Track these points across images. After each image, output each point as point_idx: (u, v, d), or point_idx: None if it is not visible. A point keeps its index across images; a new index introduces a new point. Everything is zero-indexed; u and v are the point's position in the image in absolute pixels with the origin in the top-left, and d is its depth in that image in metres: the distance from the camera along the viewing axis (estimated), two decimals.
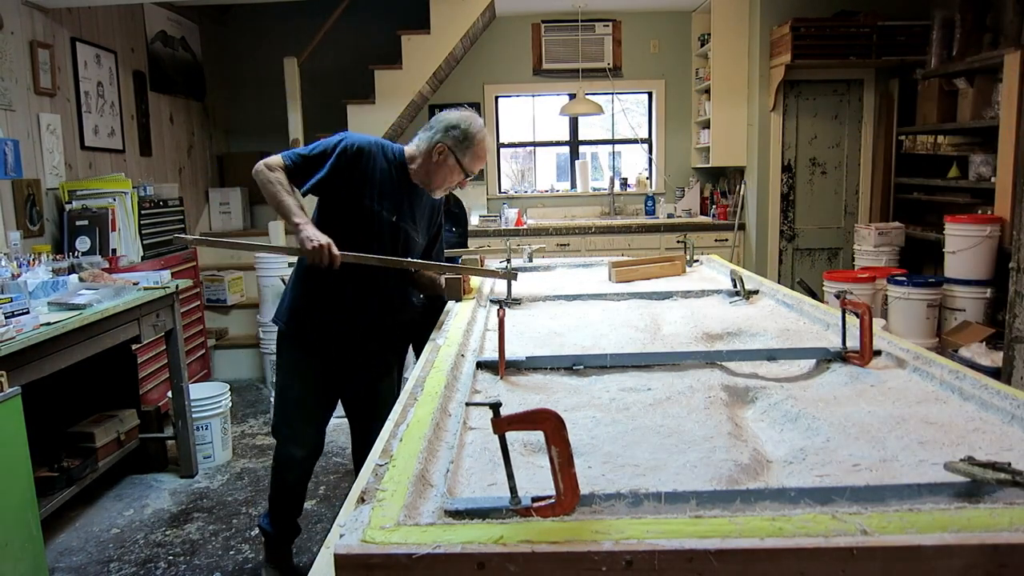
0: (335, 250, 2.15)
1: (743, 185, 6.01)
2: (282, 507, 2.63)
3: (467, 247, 3.33)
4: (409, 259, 2.39)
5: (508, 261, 2.95)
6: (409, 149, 2.40)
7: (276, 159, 2.29)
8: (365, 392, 2.54)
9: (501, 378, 1.68)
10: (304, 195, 2.38)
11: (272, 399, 2.66)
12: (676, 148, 6.64)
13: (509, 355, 1.73)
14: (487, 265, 3.13)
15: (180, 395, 3.64)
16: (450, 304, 2.52)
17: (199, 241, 2.40)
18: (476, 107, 6.46)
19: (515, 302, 2.53)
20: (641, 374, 1.69)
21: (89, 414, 3.59)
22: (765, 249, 5.87)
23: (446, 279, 2.50)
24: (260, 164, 2.28)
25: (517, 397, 1.55)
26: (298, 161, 2.31)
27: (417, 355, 2.89)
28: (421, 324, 2.81)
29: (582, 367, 1.73)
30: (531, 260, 3.50)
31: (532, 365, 1.74)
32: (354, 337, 2.44)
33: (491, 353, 1.80)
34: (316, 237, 2.13)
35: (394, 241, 2.38)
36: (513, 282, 2.55)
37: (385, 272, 2.37)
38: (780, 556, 0.84)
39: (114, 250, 4.11)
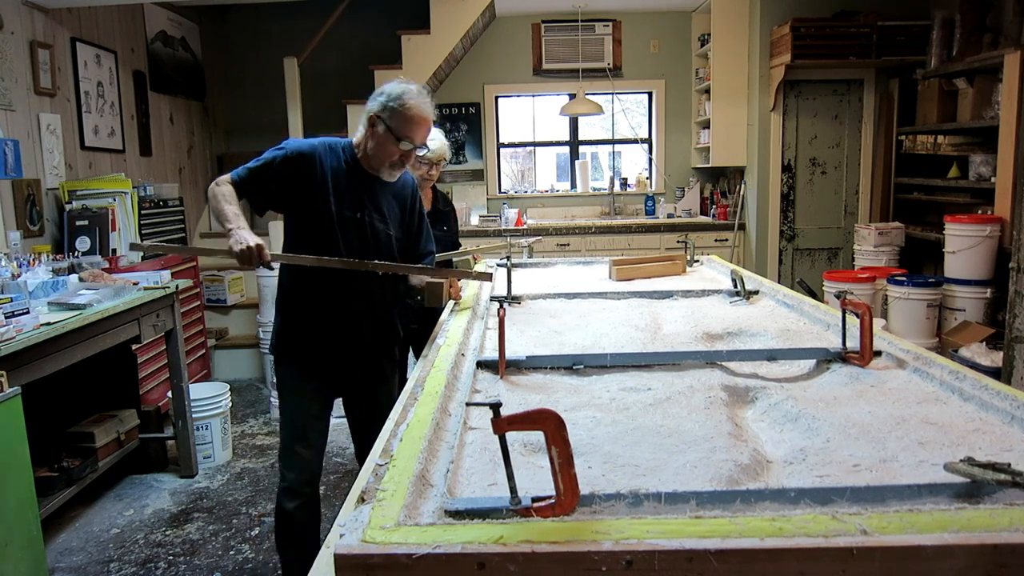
0: (265, 252, 2.05)
1: (743, 185, 6.01)
2: (288, 542, 2.33)
3: (459, 246, 3.23)
4: (374, 262, 2.21)
5: (508, 258, 2.93)
6: (355, 139, 2.28)
7: (225, 176, 2.22)
8: (364, 402, 2.44)
9: (501, 377, 1.68)
10: (261, 213, 2.32)
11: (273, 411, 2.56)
12: (676, 148, 6.64)
13: (509, 354, 1.73)
14: (484, 265, 3.11)
15: (180, 395, 3.64)
16: (449, 305, 2.51)
17: (153, 247, 2.30)
18: (476, 107, 6.47)
19: (515, 300, 2.53)
20: (641, 374, 1.69)
21: (89, 414, 3.58)
22: (765, 249, 5.87)
23: (427, 284, 2.36)
24: (214, 183, 2.21)
25: (517, 397, 1.55)
26: (245, 176, 2.20)
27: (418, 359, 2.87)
28: (420, 328, 2.78)
29: (582, 366, 1.73)
30: (531, 256, 3.50)
31: (532, 364, 1.74)
32: (347, 351, 2.32)
33: (491, 352, 1.80)
34: (245, 239, 2.03)
35: (362, 238, 2.25)
36: (493, 281, 2.53)
37: (369, 279, 2.26)
38: (780, 556, 0.84)
39: (114, 250, 4.11)
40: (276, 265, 2.17)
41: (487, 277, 2.43)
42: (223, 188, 2.16)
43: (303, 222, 2.24)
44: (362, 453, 2.50)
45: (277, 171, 2.19)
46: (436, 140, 2.81)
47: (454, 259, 3.02)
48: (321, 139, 2.27)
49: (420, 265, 2.35)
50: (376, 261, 2.22)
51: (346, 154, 2.26)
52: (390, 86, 2.17)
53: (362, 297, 2.29)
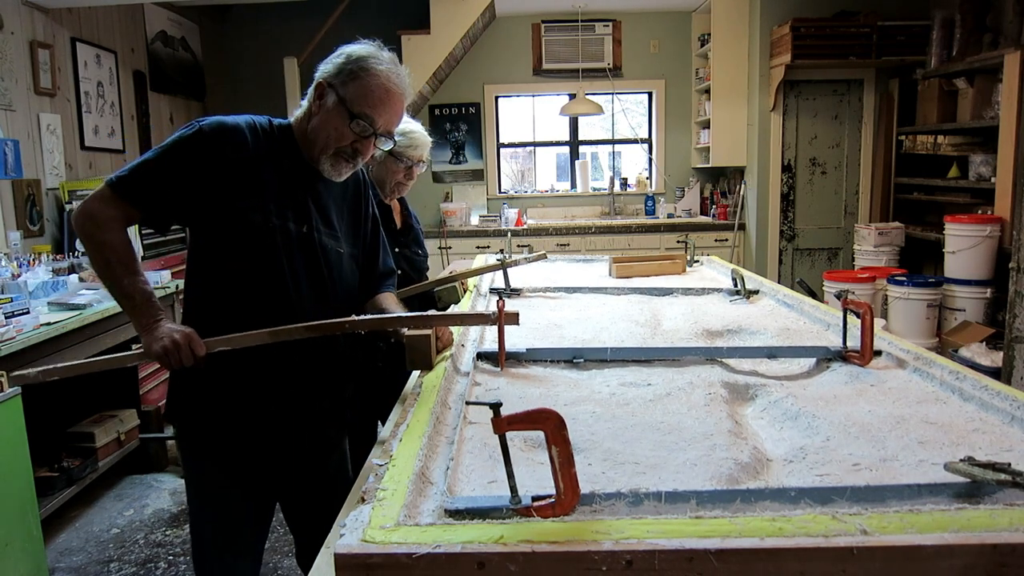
0: (199, 344, 1.46)
1: (743, 185, 6.01)
2: None
3: (427, 269, 2.55)
4: (350, 319, 1.57)
5: (507, 255, 2.90)
6: (294, 117, 1.65)
7: (106, 204, 1.48)
8: (308, 488, 1.77)
9: (501, 369, 1.67)
10: (165, 231, 1.69)
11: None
12: (676, 148, 6.64)
13: (509, 347, 1.72)
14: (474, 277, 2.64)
15: None
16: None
17: (44, 373, 1.50)
18: (476, 107, 6.47)
19: (515, 292, 2.53)
20: (641, 369, 1.69)
21: (89, 414, 3.59)
22: (765, 249, 5.87)
23: (408, 337, 1.63)
24: (81, 216, 1.49)
25: (517, 390, 1.54)
26: (139, 186, 1.50)
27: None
28: (386, 381, 2.07)
29: (582, 360, 1.73)
30: (531, 252, 3.49)
31: (532, 357, 1.74)
32: (281, 421, 1.64)
33: (491, 344, 1.80)
34: (167, 333, 1.46)
35: (312, 263, 1.62)
36: (507, 320, 1.71)
37: (314, 315, 1.59)
38: (780, 556, 0.84)
39: None
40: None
41: (489, 320, 1.69)
42: (113, 238, 1.48)
43: (223, 240, 1.56)
44: (307, 551, 1.81)
45: (190, 160, 1.52)
46: (416, 132, 2.23)
47: (436, 288, 2.40)
48: (245, 116, 1.62)
49: (404, 314, 1.66)
50: (356, 317, 1.58)
51: (280, 139, 1.62)
52: (352, 47, 1.59)
53: (314, 348, 1.63)
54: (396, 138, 1.91)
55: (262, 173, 1.57)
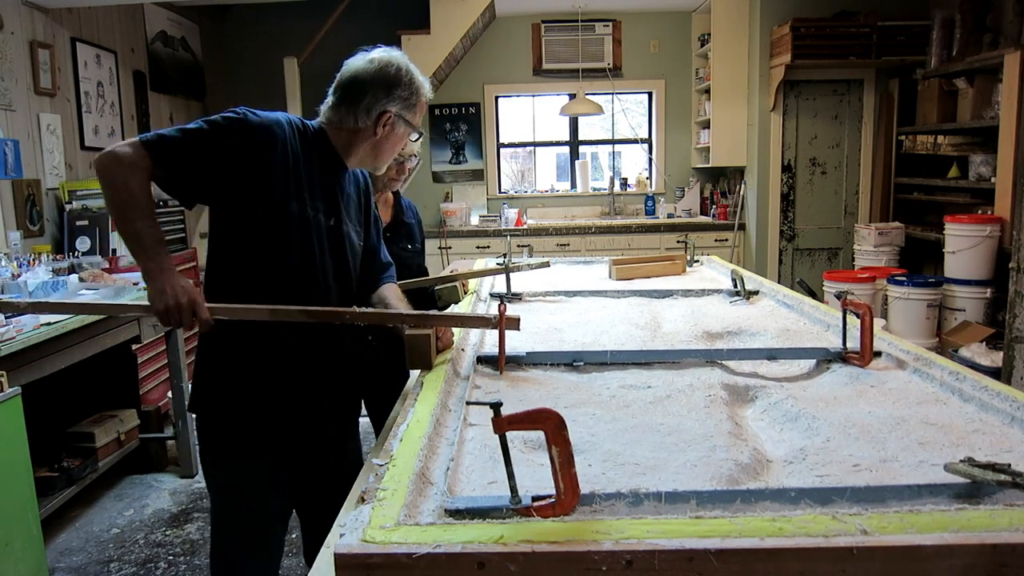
0: (203, 309, 1.46)
1: (743, 185, 6.01)
2: None
3: (425, 270, 2.56)
4: (358, 309, 1.63)
5: (507, 255, 2.91)
6: (327, 119, 1.72)
7: (135, 153, 1.46)
8: (326, 480, 1.78)
9: (501, 373, 1.68)
10: (190, 206, 1.67)
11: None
12: (676, 148, 6.64)
13: (509, 350, 1.73)
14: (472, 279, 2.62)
15: (180, 395, 3.64)
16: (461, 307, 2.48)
17: (31, 307, 1.59)
18: (476, 107, 6.47)
19: (515, 296, 2.53)
20: (641, 371, 1.69)
21: (89, 414, 3.59)
22: (765, 249, 5.87)
23: (408, 336, 1.63)
24: (108, 156, 1.46)
25: (517, 393, 1.55)
26: (175, 153, 1.49)
27: (374, 423, 2.44)
28: (376, 375, 2.10)
29: (582, 363, 1.73)
30: (531, 255, 3.49)
31: (532, 360, 1.74)
32: (315, 409, 1.71)
33: (491, 348, 1.80)
34: (173, 290, 1.45)
35: (339, 256, 1.70)
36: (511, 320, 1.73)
37: (338, 303, 1.69)
38: (780, 556, 0.84)
39: (114, 250, 4.10)
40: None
41: (490, 323, 1.69)
42: (135, 183, 1.45)
43: (258, 226, 1.58)
44: (313, 545, 1.84)
45: (231, 146, 1.53)
46: None
47: (437, 288, 2.39)
48: (280, 112, 1.68)
49: (406, 312, 1.73)
50: (357, 309, 1.63)
51: (313, 137, 1.69)
52: (395, 57, 1.68)
53: (333, 340, 1.70)
54: None
55: (300, 166, 1.62)
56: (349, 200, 1.75)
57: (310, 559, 1.91)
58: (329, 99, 1.71)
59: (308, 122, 1.72)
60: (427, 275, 2.50)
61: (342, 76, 1.70)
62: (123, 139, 4.92)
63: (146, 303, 1.49)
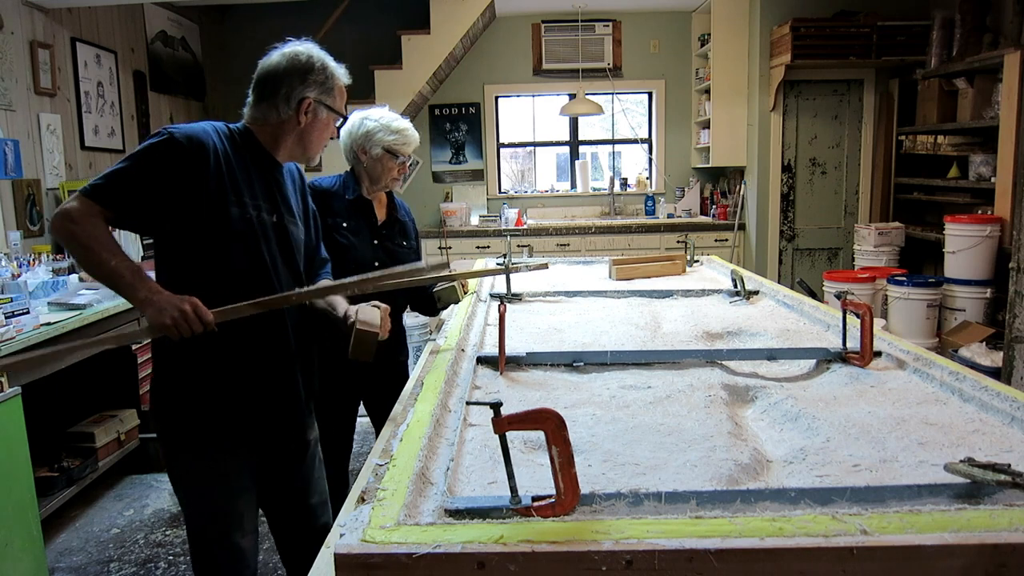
0: (205, 311, 1.52)
1: (743, 185, 6.01)
2: None
3: (415, 261, 2.53)
4: (310, 288, 1.73)
5: (507, 256, 2.92)
6: (251, 119, 1.76)
7: (81, 205, 1.51)
8: (292, 461, 1.88)
9: (501, 374, 1.68)
10: (146, 235, 1.69)
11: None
12: (676, 148, 6.64)
13: (509, 351, 1.73)
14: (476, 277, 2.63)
15: None
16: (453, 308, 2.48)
17: (23, 361, 1.59)
18: (476, 107, 6.47)
19: (515, 297, 2.53)
20: (641, 372, 1.69)
21: (89, 414, 3.59)
22: (765, 249, 5.87)
23: (358, 330, 1.71)
24: (59, 217, 1.52)
25: (517, 393, 1.55)
26: (117, 193, 1.54)
27: (375, 422, 2.52)
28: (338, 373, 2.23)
29: (582, 364, 1.73)
30: (531, 255, 3.49)
31: (532, 361, 1.74)
32: (269, 400, 1.75)
33: (491, 348, 1.80)
34: (171, 304, 1.50)
35: (285, 250, 1.76)
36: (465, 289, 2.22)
37: (294, 307, 1.76)
38: (780, 556, 0.84)
39: None
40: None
41: (427, 271, 1.86)
42: (93, 229, 1.51)
43: (204, 237, 1.62)
44: (292, 542, 1.93)
45: (165, 164, 1.57)
46: (408, 130, 2.37)
47: (436, 289, 2.43)
48: (199, 123, 1.71)
49: (355, 279, 1.76)
50: (299, 290, 1.70)
51: (238, 135, 1.73)
52: (303, 56, 1.73)
53: (290, 329, 1.76)
54: (392, 136, 2.30)
55: (234, 169, 1.67)
56: (288, 196, 1.80)
57: (284, 555, 1.97)
58: (249, 99, 1.76)
59: (232, 125, 1.76)
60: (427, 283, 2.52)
61: (257, 74, 1.75)
62: (122, 139, 4.91)
63: (145, 329, 1.54)
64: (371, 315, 1.75)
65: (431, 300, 2.45)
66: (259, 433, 1.76)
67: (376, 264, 2.27)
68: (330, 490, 2.03)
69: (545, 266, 2.62)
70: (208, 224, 1.61)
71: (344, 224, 2.32)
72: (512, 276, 2.61)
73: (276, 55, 1.74)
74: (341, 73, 1.78)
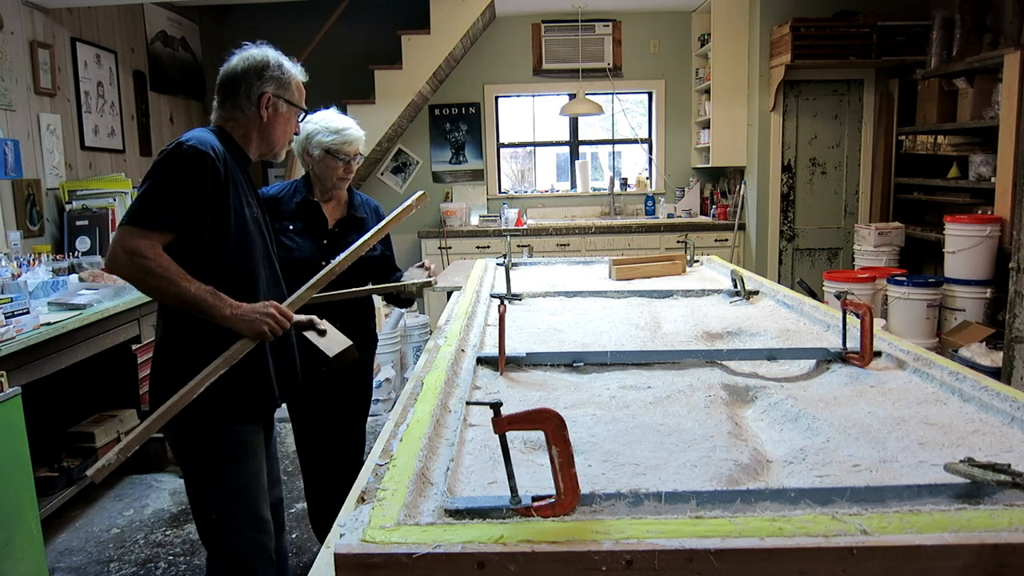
0: (284, 309, 1.73)
1: (743, 185, 6.02)
2: None
3: (380, 256, 2.52)
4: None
5: (507, 257, 2.92)
6: (221, 121, 1.86)
7: (141, 238, 1.60)
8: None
9: (501, 374, 1.68)
10: (199, 245, 1.77)
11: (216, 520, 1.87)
12: (676, 148, 6.64)
13: (509, 351, 1.73)
14: (478, 270, 2.75)
15: None
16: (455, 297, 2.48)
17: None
18: (476, 107, 6.47)
19: (515, 297, 2.53)
20: (641, 372, 1.69)
21: (89, 414, 3.59)
22: (765, 249, 5.87)
23: (338, 354, 1.82)
24: (120, 253, 1.60)
25: (517, 393, 1.55)
26: (175, 221, 1.64)
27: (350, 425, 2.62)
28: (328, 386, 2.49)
29: (582, 364, 1.73)
30: (531, 255, 3.49)
31: (532, 361, 1.74)
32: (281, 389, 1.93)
33: (491, 348, 1.80)
34: (258, 313, 1.67)
35: (269, 240, 1.94)
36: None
37: (281, 285, 1.96)
38: (780, 556, 0.84)
39: None
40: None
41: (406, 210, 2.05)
42: (162, 260, 1.61)
43: (227, 236, 1.75)
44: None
45: (198, 177, 1.68)
46: (349, 129, 2.39)
47: (407, 289, 2.39)
48: (197, 130, 1.81)
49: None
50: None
51: (222, 136, 1.83)
52: (258, 55, 1.84)
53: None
54: (330, 137, 2.34)
55: (234, 170, 1.79)
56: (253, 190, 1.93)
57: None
58: (215, 103, 1.87)
59: (210, 128, 1.86)
60: (394, 270, 2.55)
61: (220, 78, 1.86)
62: (122, 139, 4.89)
63: (243, 342, 1.67)
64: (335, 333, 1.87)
65: (399, 300, 2.51)
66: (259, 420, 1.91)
67: (323, 263, 2.11)
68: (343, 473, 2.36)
69: (430, 284, 2.38)
70: (234, 225, 1.74)
71: (291, 227, 2.37)
72: (512, 276, 2.61)
73: (235, 59, 1.85)
74: (297, 71, 1.89)
